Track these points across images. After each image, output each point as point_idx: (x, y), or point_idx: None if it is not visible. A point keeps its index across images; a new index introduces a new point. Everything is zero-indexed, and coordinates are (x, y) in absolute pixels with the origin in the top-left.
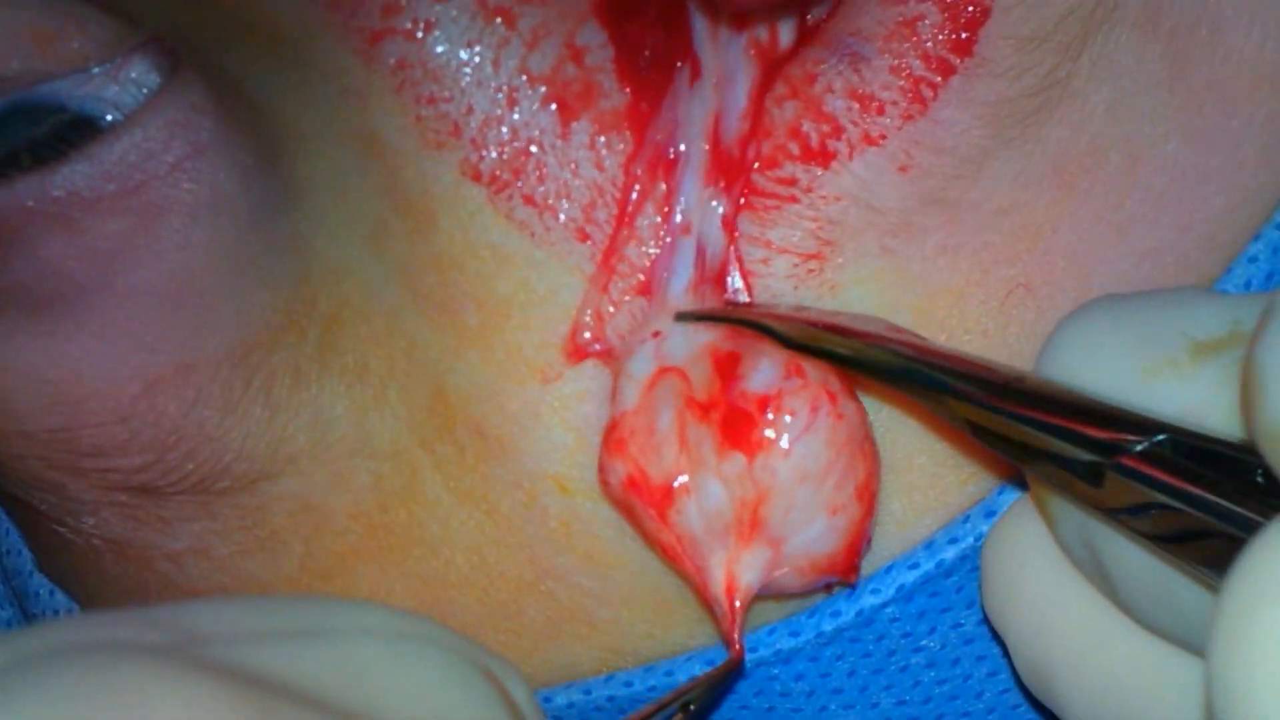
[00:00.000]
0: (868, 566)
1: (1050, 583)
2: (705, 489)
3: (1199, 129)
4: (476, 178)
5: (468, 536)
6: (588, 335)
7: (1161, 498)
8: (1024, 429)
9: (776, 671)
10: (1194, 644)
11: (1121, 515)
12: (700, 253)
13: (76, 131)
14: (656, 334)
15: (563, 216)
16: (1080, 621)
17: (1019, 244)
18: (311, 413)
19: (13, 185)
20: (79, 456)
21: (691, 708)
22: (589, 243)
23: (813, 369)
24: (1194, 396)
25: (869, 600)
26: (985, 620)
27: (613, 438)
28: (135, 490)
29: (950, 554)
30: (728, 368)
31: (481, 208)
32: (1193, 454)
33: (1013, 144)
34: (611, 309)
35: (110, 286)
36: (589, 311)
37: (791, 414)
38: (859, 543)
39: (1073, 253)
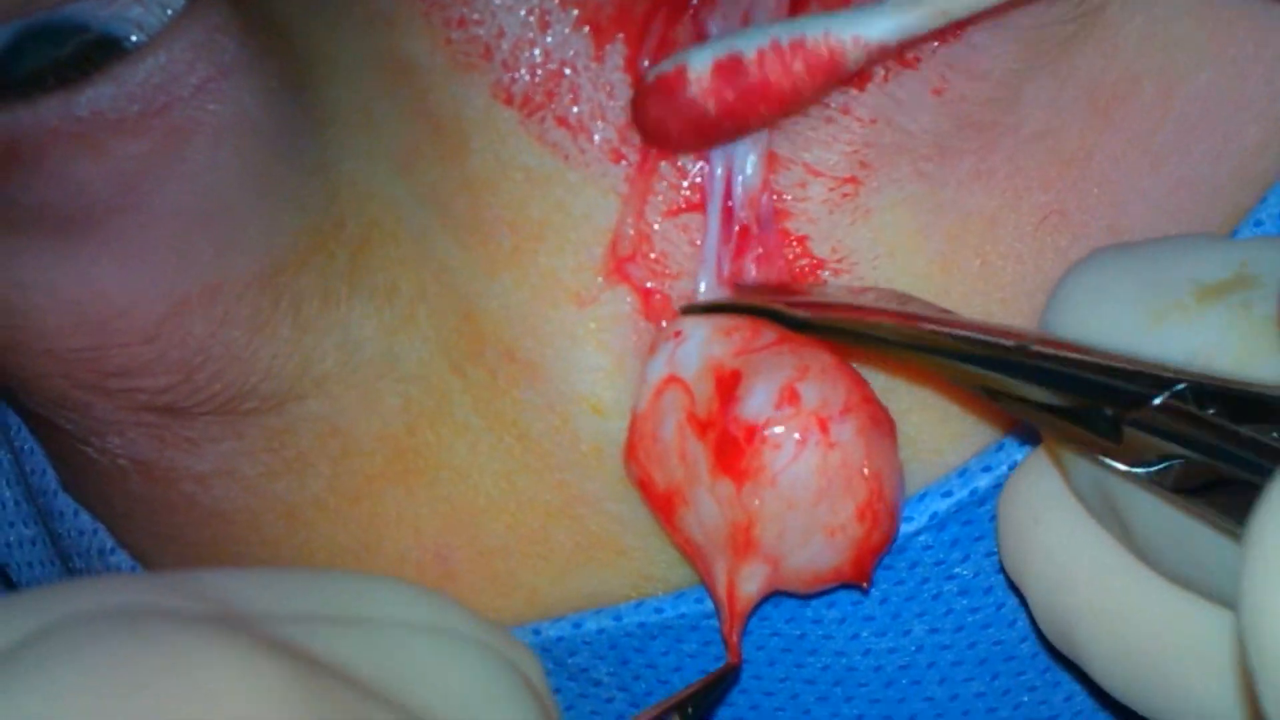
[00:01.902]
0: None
1: (1067, 534)
2: (701, 504)
3: (1232, 59)
4: (508, 101)
5: (497, 461)
6: (629, 251)
7: (1181, 450)
8: (1037, 389)
9: (809, 597)
10: (1215, 592)
11: (1140, 470)
12: (729, 181)
13: (101, 52)
14: (678, 334)
15: (597, 138)
16: (1099, 571)
17: (1052, 170)
18: (340, 334)
19: (37, 106)
20: (105, 377)
21: (690, 711)
22: (624, 163)
23: (809, 395)
24: (1202, 338)
25: (902, 528)
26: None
27: (628, 437)
28: (161, 411)
29: (984, 481)
30: (728, 388)
31: (514, 130)
32: (1212, 401)
33: (1046, 70)
34: (655, 225)
35: (136, 207)
36: (629, 228)
37: (777, 446)
38: (866, 555)
39: (1106, 180)
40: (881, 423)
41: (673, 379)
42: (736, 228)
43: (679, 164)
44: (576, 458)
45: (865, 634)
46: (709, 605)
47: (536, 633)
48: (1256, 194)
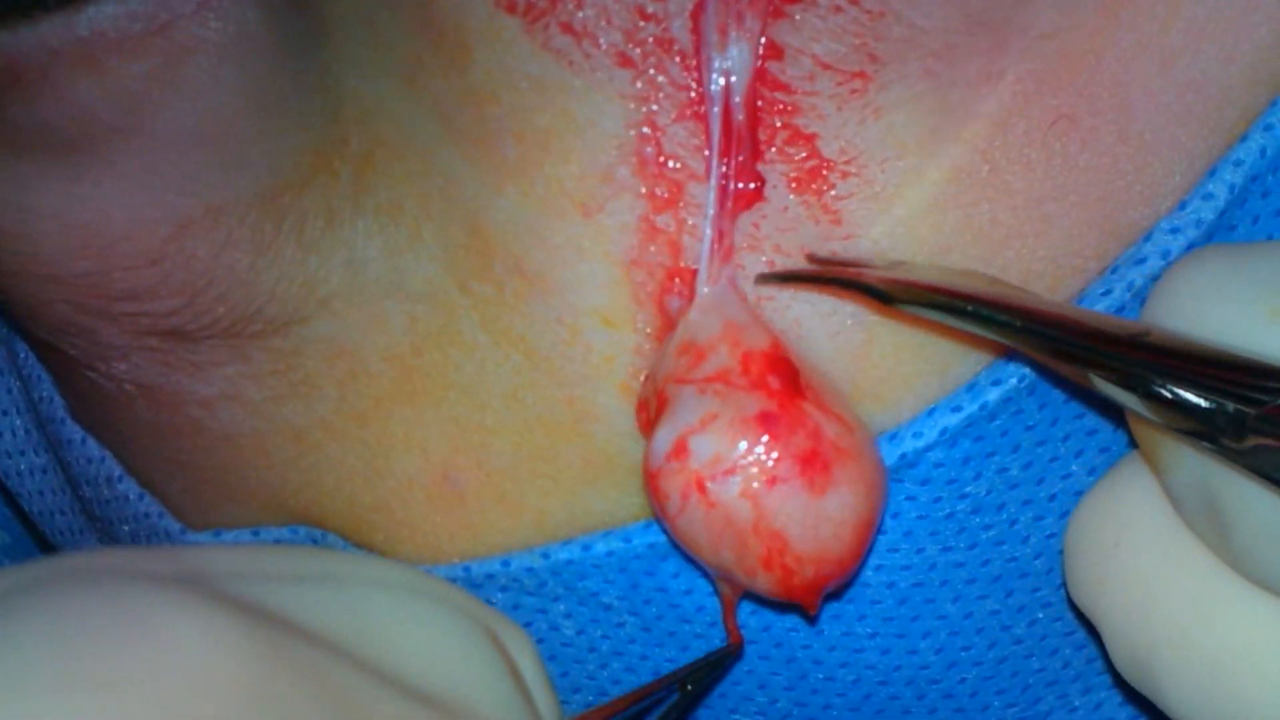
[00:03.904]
0: (909, 409)
1: (1152, 556)
2: None
3: None
4: (511, 8)
5: (505, 378)
6: (636, 158)
7: None
8: (1154, 379)
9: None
10: None
11: (1263, 470)
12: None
13: None
14: (691, 299)
15: (603, 42)
16: (1187, 594)
17: (1062, 72)
18: (345, 254)
19: (37, 26)
20: (109, 300)
21: (689, 688)
22: (631, 69)
23: (698, 449)
24: None
25: (911, 444)
26: (1030, 465)
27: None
28: (166, 334)
29: (994, 395)
30: (652, 418)
31: (517, 38)
32: None
33: None
34: (664, 130)
35: (138, 128)
36: (635, 134)
37: (666, 497)
38: (801, 593)
39: (1116, 83)
40: (789, 479)
41: (645, 373)
42: (741, 124)
43: (688, 65)
44: (586, 371)
45: (877, 549)
46: None
47: (545, 555)
48: (1267, 97)
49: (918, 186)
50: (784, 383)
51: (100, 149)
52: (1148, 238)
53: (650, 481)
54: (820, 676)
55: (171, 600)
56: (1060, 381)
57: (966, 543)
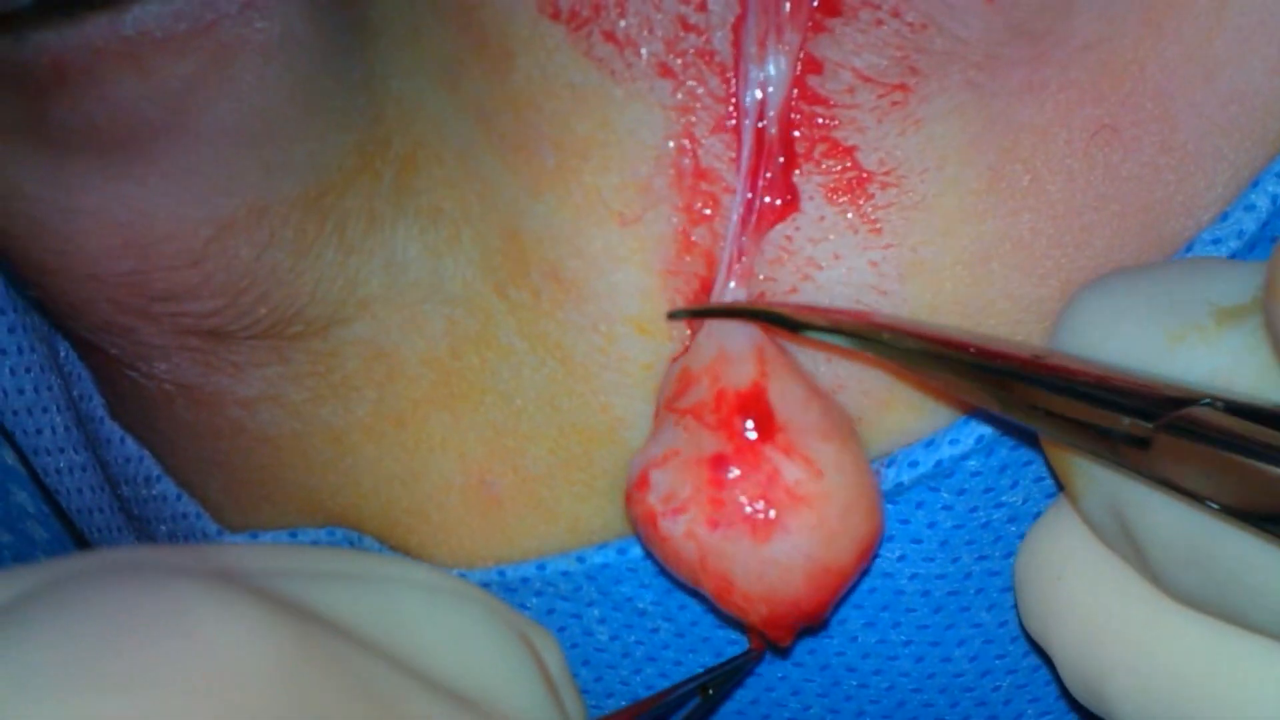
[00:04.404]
0: (945, 417)
1: (1093, 586)
2: None
3: None
4: (555, 15)
5: (541, 384)
6: (673, 169)
7: (1223, 454)
8: (1057, 399)
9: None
10: (1233, 612)
11: (1171, 481)
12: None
13: None
14: (699, 330)
15: (644, 52)
16: (1129, 623)
17: (1104, 83)
18: (385, 256)
19: (83, 25)
20: (151, 300)
21: (710, 692)
22: (671, 79)
23: (656, 483)
24: (1221, 361)
25: (948, 451)
26: None
27: None
28: (207, 335)
29: None
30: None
31: (560, 46)
32: (1243, 414)
33: None
34: (701, 141)
35: (182, 127)
36: (674, 145)
37: (633, 522)
38: (769, 629)
39: (1159, 94)
40: (731, 524)
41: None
42: (774, 138)
43: (727, 77)
44: (620, 379)
45: (912, 557)
46: None
47: (580, 560)
48: None
49: (958, 195)
50: (754, 424)
51: (144, 148)
52: (1189, 248)
53: (625, 503)
54: (854, 683)
55: (207, 594)
56: None
57: (1003, 551)
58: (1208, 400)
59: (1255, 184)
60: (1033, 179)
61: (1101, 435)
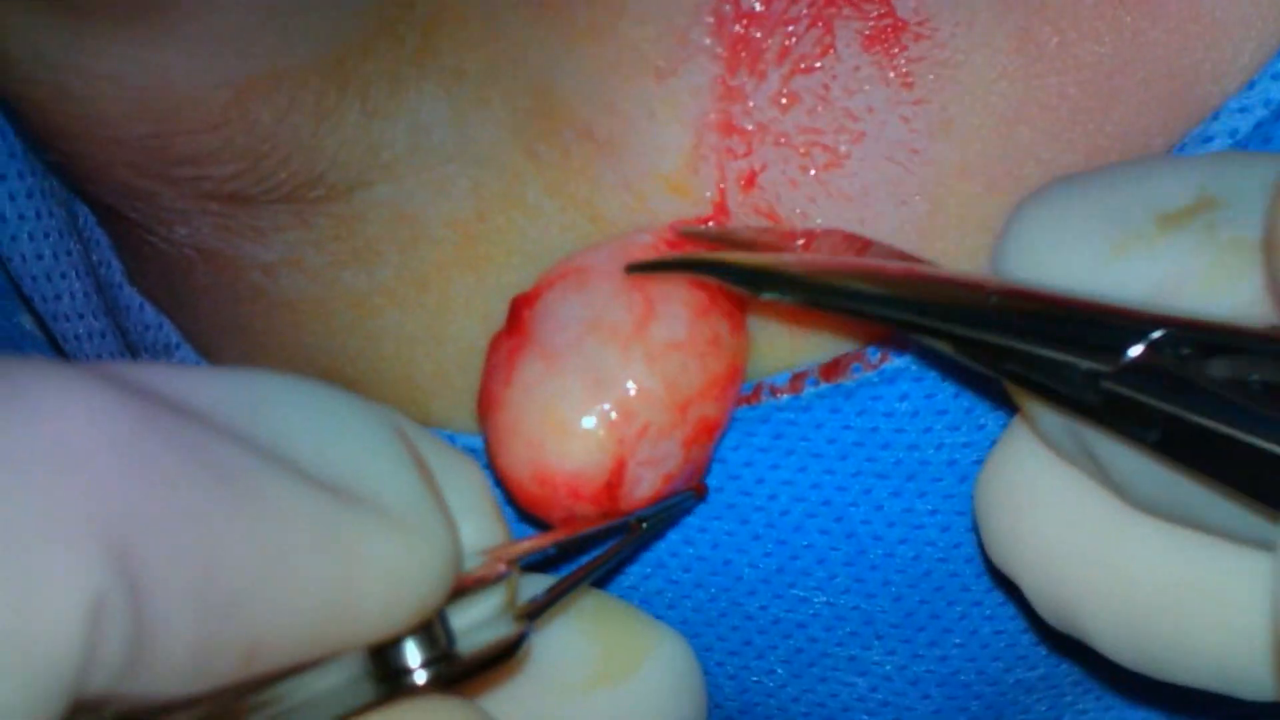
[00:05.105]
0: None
1: (1057, 511)
2: None
3: None
4: None
5: (569, 244)
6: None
7: (1167, 408)
8: (1011, 343)
9: (881, 391)
10: (1203, 522)
11: (1119, 427)
12: None
13: None
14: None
15: None
16: (1094, 542)
17: None
18: (409, 118)
19: None
20: (171, 164)
21: (644, 526)
22: None
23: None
24: (1167, 269)
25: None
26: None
27: None
28: (228, 199)
29: None
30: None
31: None
32: (1187, 342)
33: None
34: None
35: None
36: None
37: None
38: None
39: None
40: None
41: None
42: None
43: None
44: None
45: (938, 427)
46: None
47: None
48: None
49: (988, 53)
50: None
51: (163, 12)
52: (1215, 116)
53: None
54: (880, 553)
55: (46, 378)
56: None
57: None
58: (1158, 334)
59: None
60: (1060, 41)
61: (1050, 382)
